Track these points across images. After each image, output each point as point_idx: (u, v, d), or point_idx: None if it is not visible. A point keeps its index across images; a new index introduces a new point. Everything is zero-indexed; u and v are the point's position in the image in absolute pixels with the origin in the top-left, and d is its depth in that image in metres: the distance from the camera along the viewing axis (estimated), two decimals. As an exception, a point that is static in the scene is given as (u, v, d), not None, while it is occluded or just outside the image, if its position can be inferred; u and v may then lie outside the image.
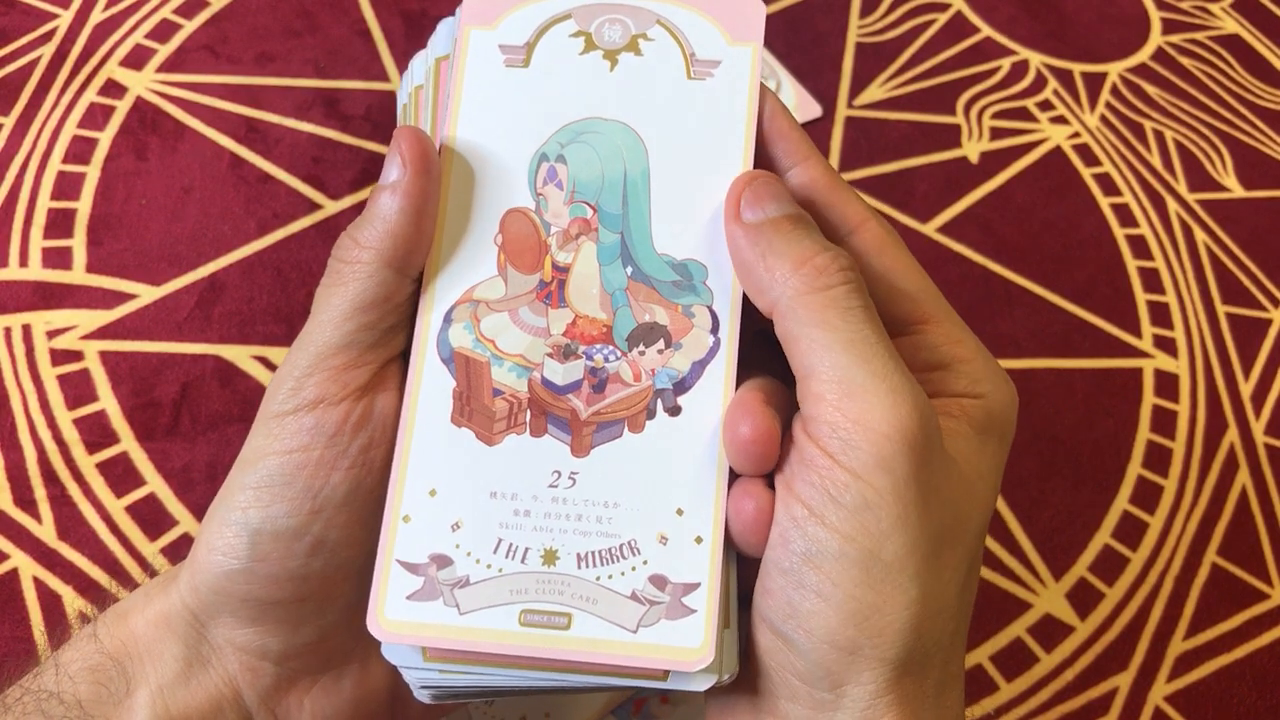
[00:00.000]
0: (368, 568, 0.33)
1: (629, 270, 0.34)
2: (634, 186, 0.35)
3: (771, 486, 0.33)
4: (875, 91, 0.91)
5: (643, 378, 0.34)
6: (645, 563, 0.33)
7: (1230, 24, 1.01)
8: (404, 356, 0.35)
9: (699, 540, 0.33)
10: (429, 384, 0.34)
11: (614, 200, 0.35)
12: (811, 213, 0.35)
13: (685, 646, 0.32)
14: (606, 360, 0.34)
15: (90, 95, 0.82)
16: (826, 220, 0.35)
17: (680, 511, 0.33)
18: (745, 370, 0.34)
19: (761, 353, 0.35)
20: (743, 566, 0.34)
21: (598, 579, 0.32)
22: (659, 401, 0.34)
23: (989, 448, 0.34)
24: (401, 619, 0.32)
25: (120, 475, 0.65)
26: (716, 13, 0.36)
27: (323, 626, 0.35)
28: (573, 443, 0.33)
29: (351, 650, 0.36)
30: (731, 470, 0.33)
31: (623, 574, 0.32)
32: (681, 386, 0.34)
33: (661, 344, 0.34)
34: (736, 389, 0.34)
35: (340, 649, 0.36)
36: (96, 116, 0.81)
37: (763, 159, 0.36)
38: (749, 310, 0.34)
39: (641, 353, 0.34)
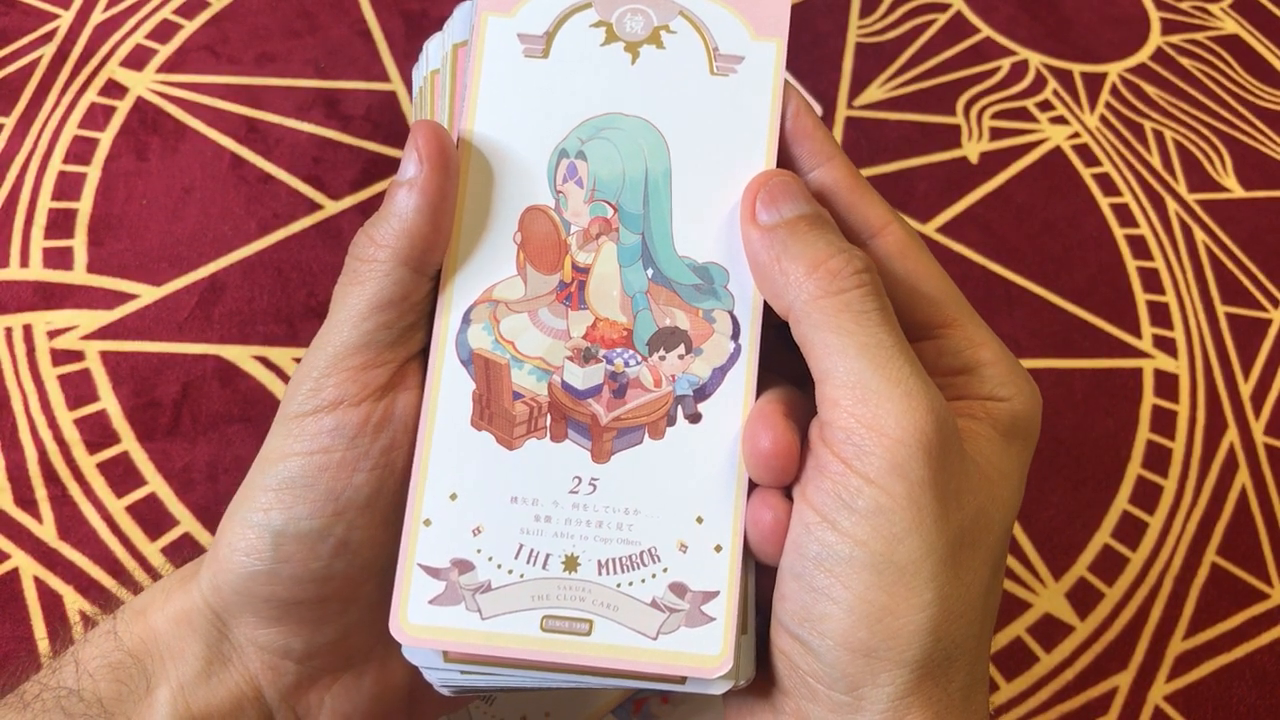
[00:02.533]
0: (390, 567, 0.33)
1: (650, 272, 0.34)
2: (655, 186, 0.34)
3: (790, 495, 0.33)
4: (875, 92, 0.91)
5: (663, 383, 0.33)
6: (665, 570, 0.33)
7: (1230, 24, 1.02)
8: (424, 355, 0.34)
9: (718, 548, 0.33)
10: (448, 386, 0.33)
11: (635, 200, 0.34)
12: (834, 215, 0.34)
13: (704, 654, 0.32)
14: (627, 365, 0.33)
15: (91, 95, 0.82)
16: (849, 223, 0.35)
17: (700, 519, 0.33)
18: (767, 369, 0.34)
19: (784, 349, 0.34)
20: (762, 570, 0.34)
21: (618, 586, 0.32)
22: (679, 408, 0.33)
23: (1013, 449, 0.33)
24: (424, 623, 0.32)
25: (121, 475, 0.65)
26: (741, 6, 0.35)
27: (345, 626, 0.35)
28: (593, 448, 0.33)
29: (372, 648, 0.36)
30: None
31: (643, 581, 0.32)
32: (702, 393, 0.33)
33: (682, 349, 0.34)
34: (757, 396, 0.34)
35: (362, 647, 0.36)
36: (97, 117, 0.81)
37: (785, 158, 0.35)
38: (770, 307, 0.34)
39: (662, 358, 0.33)
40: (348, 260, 0.33)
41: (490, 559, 0.32)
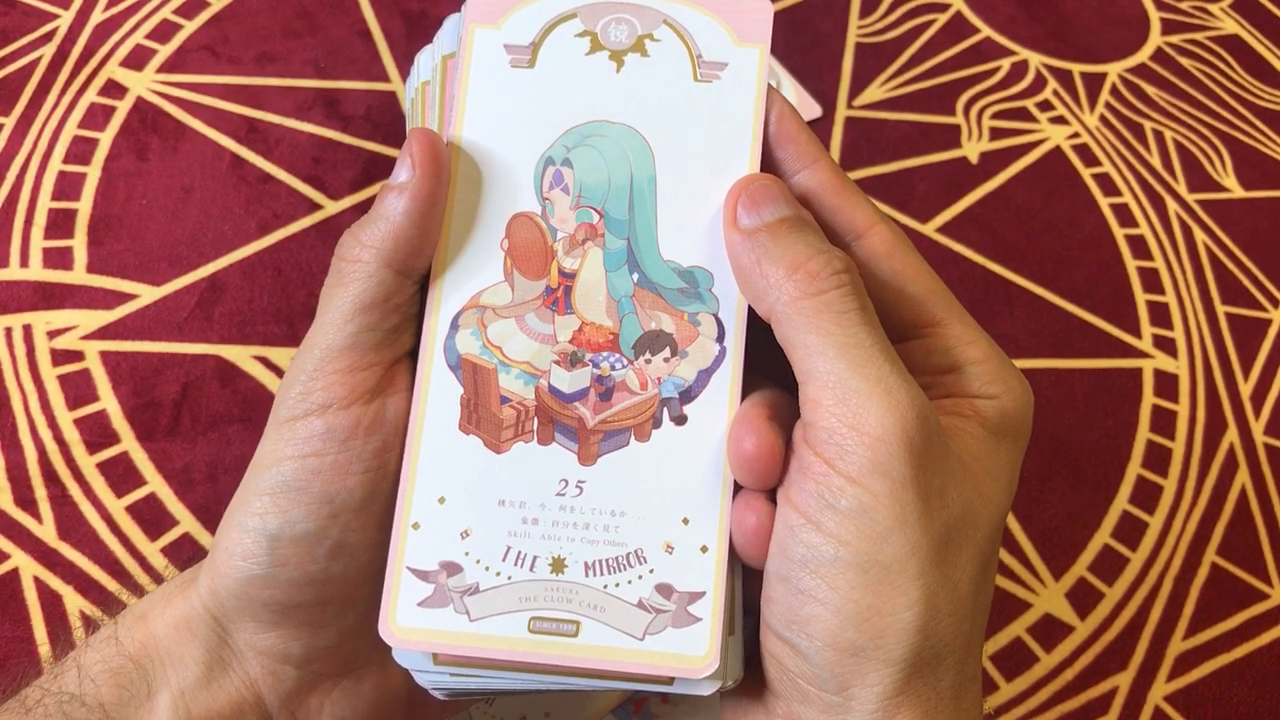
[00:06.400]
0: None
1: (635, 277, 0.34)
2: (640, 192, 0.35)
3: (775, 498, 0.33)
4: (875, 92, 0.91)
5: (649, 386, 0.34)
6: (652, 571, 0.33)
7: (1230, 24, 1.01)
8: (412, 358, 0.35)
9: (704, 549, 0.33)
10: (436, 391, 0.34)
11: (620, 206, 0.34)
12: (819, 217, 0.34)
13: (690, 654, 0.32)
14: (613, 368, 0.34)
15: (91, 95, 0.82)
16: (835, 224, 0.35)
17: (686, 521, 0.33)
18: (754, 371, 0.34)
19: (772, 350, 0.35)
20: (752, 573, 0.34)
21: (605, 587, 0.33)
22: (665, 410, 0.33)
23: (1003, 447, 0.33)
24: (413, 625, 0.32)
25: (121, 475, 0.66)
26: (723, 13, 0.36)
27: (343, 629, 0.35)
28: (580, 451, 0.33)
29: (371, 653, 0.36)
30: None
31: (629, 582, 0.33)
32: (688, 395, 0.34)
33: (667, 352, 0.34)
34: (743, 398, 0.34)
35: (360, 651, 0.36)
36: (97, 117, 0.81)
37: (770, 162, 0.35)
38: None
39: (648, 361, 0.34)
40: (334, 261, 0.34)
41: (478, 561, 0.33)
